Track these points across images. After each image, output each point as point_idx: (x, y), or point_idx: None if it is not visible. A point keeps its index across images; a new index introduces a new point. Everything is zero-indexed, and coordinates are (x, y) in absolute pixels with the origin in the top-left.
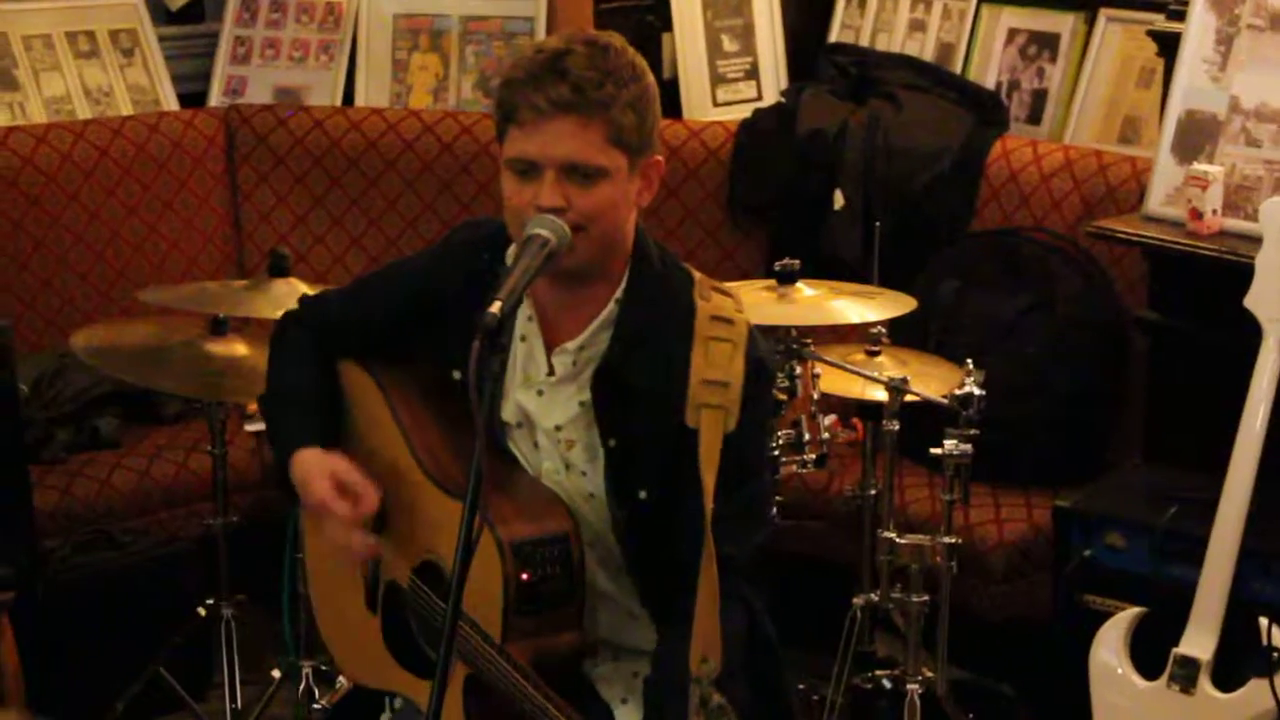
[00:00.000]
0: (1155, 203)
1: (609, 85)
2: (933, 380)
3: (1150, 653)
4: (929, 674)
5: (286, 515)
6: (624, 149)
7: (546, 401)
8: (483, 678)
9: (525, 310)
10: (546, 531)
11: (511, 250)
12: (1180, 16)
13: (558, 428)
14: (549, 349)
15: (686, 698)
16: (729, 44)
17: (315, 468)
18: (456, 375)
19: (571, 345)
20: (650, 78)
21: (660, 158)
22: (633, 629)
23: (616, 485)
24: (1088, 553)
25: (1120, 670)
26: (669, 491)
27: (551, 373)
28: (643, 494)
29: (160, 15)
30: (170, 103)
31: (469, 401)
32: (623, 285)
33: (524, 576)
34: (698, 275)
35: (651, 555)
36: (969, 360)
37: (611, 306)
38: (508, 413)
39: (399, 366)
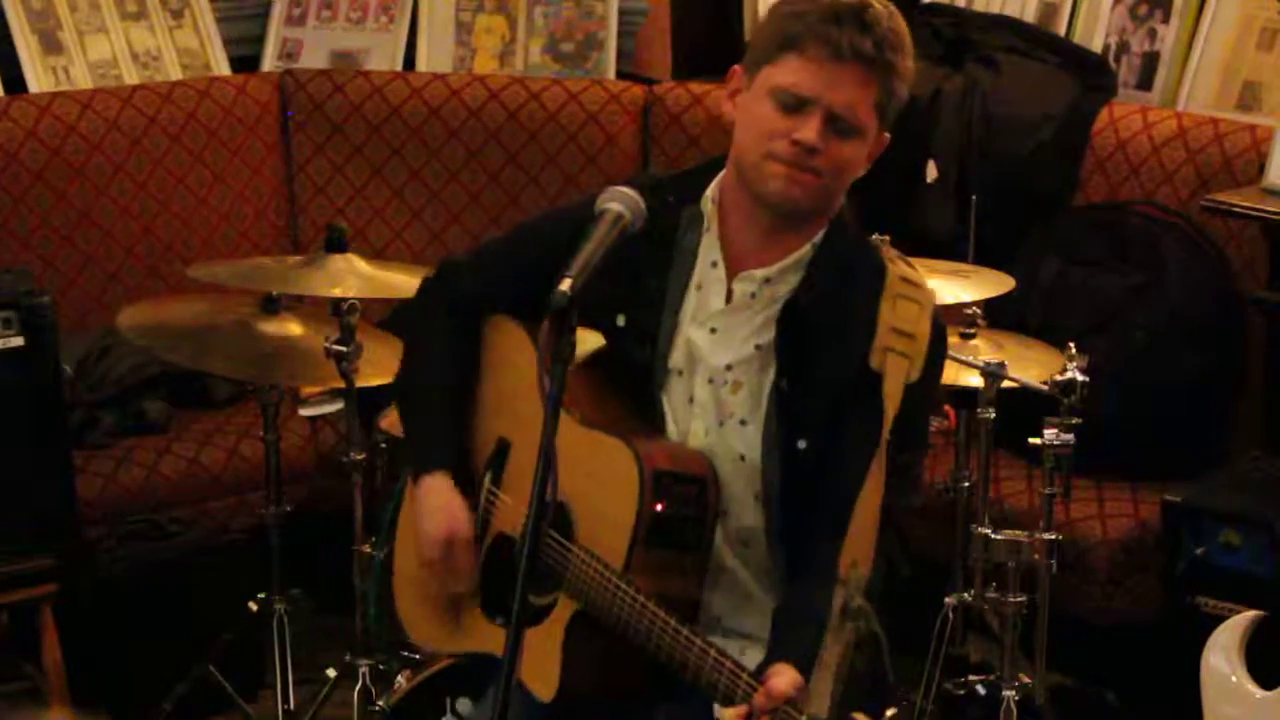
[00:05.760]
0: (1276, 175)
1: (900, 52)
2: (1032, 365)
3: (1268, 660)
4: (1026, 680)
5: (387, 498)
6: (881, 116)
7: (719, 339)
8: (595, 611)
9: (710, 239)
10: (688, 470)
11: (709, 210)
12: None
13: (728, 367)
14: (729, 276)
15: (817, 630)
16: None
17: (439, 518)
18: (621, 321)
19: (759, 273)
20: None
21: (888, 135)
22: (748, 611)
23: (779, 431)
24: (1200, 551)
25: (1234, 679)
26: (829, 444)
27: (729, 299)
28: (802, 444)
29: None
30: (221, 67)
31: (627, 348)
32: (819, 236)
33: (658, 507)
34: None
35: (795, 518)
36: (1071, 344)
37: (806, 249)
38: (675, 357)
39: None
